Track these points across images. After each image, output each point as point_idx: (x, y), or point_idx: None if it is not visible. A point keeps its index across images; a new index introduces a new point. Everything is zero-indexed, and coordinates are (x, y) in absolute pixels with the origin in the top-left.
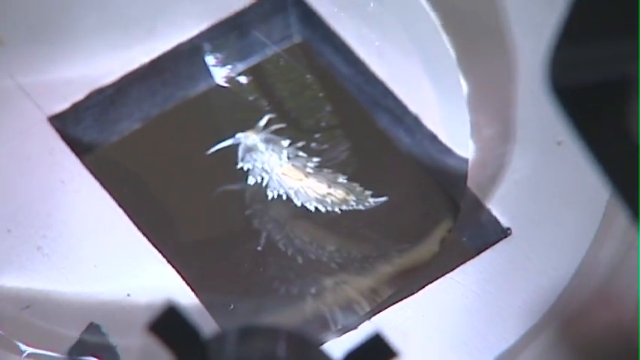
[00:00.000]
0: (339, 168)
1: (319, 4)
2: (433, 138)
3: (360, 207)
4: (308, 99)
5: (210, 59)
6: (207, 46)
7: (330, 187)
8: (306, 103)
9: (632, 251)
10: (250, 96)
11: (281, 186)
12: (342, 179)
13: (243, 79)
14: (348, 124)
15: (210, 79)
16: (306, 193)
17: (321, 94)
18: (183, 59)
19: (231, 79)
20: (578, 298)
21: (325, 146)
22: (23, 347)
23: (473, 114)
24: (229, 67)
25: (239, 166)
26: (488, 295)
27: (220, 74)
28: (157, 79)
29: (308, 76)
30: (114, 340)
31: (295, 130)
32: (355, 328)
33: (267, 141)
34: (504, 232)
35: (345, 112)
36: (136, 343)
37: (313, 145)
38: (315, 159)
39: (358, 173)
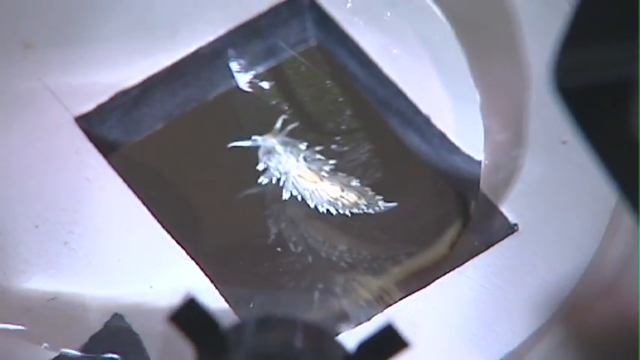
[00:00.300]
0: (360, 170)
1: (335, 9)
2: (447, 142)
3: (371, 211)
4: (328, 103)
5: (234, 65)
6: (231, 52)
7: (342, 190)
8: (327, 107)
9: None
10: (273, 100)
11: (296, 187)
12: (355, 183)
13: (265, 85)
14: (366, 128)
15: (229, 82)
16: (320, 195)
17: (340, 99)
18: (204, 62)
19: (254, 85)
20: (584, 292)
21: (346, 148)
22: (48, 342)
23: (486, 119)
24: (252, 72)
25: (258, 168)
26: (496, 289)
27: (244, 79)
28: (179, 82)
29: (328, 81)
30: (137, 329)
31: (317, 133)
32: (368, 320)
33: (284, 143)
34: (512, 228)
35: (363, 116)
36: (157, 333)
37: (334, 147)
38: (332, 161)
39: (371, 177)
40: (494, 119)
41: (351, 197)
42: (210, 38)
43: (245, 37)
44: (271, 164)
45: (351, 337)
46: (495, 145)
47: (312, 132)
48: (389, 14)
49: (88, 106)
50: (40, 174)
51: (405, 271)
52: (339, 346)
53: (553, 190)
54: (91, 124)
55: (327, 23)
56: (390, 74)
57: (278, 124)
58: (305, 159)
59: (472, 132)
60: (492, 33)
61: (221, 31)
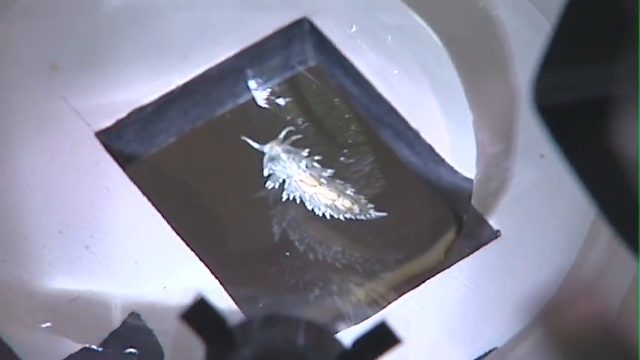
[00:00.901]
0: (363, 180)
1: (340, 33)
2: (434, 154)
3: (363, 217)
4: (336, 119)
5: (252, 83)
6: (249, 71)
7: (339, 196)
8: (335, 123)
9: (616, 257)
10: (288, 116)
11: (297, 191)
12: (350, 191)
13: (281, 101)
14: (368, 142)
15: (236, 100)
16: (318, 199)
17: (347, 115)
18: (213, 82)
19: (271, 101)
20: (565, 295)
21: (352, 160)
22: (72, 340)
23: (478, 134)
24: (269, 89)
25: (264, 173)
26: (480, 289)
27: (262, 96)
28: (190, 100)
29: (336, 99)
30: (152, 326)
31: (327, 146)
32: (364, 320)
33: (288, 151)
34: (494, 234)
35: (366, 131)
36: (171, 330)
37: (342, 159)
38: (330, 170)
39: (373, 187)
40: (486, 133)
41: (346, 203)
42: (219, 60)
43: (253, 58)
44: (276, 169)
45: (348, 335)
46: (487, 158)
47: (324, 145)
48: (390, 38)
49: (108, 123)
50: (63, 184)
51: (400, 276)
52: (338, 343)
53: (534, 200)
54: (110, 138)
55: (325, 46)
56: (386, 92)
57: (282, 135)
58: (306, 165)
59: (465, 146)
60: (485, 56)
61: (229, 53)
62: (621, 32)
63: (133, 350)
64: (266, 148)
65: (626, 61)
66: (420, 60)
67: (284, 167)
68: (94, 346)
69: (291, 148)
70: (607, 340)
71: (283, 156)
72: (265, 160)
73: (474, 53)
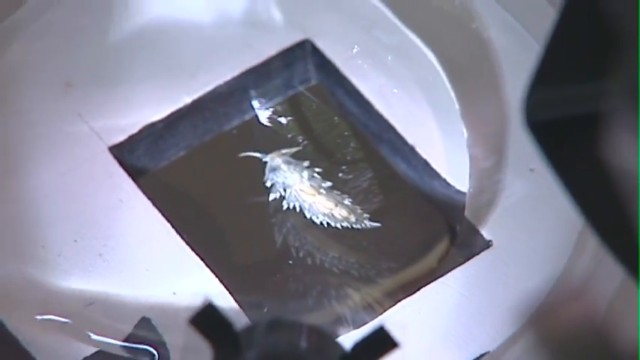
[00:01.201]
0: (361, 195)
1: (342, 53)
2: (429, 168)
3: (358, 227)
4: (336, 136)
5: (255, 103)
6: (252, 92)
7: (336, 205)
8: (335, 140)
9: (602, 264)
10: (289, 133)
11: (297, 200)
12: (347, 201)
13: (283, 120)
14: (366, 159)
15: (243, 116)
16: (316, 208)
17: (346, 133)
18: (221, 99)
19: (273, 120)
20: (555, 301)
21: (350, 176)
22: (93, 336)
23: (471, 149)
24: (272, 109)
25: (266, 183)
26: (474, 296)
27: (264, 115)
28: (199, 116)
29: (335, 117)
30: (162, 331)
31: (327, 162)
32: (364, 324)
33: (288, 162)
34: (487, 244)
35: (364, 148)
36: (180, 334)
37: (341, 175)
38: (328, 183)
39: (371, 201)
40: (479, 148)
41: (342, 212)
42: (227, 79)
43: (258, 77)
44: (277, 179)
45: (348, 339)
46: (480, 172)
47: (323, 161)
48: (390, 58)
49: (120, 138)
50: (79, 195)
51: (395, 283)
52: (338, 346)
53: (524, 211)
54: (122, 152)
55: (326, 66)
56: (384, 110)
57: (284, 150)
58: (307, 176)
59: (458, 161)
60: (478, 75)
61: (236, 72)
62: (610, 49)
63: (148, 348)
64: (267, 158)
65: (619, 77)
66: (417, 79)
67: (285, 177)
68: (112, 341)
69: (292, 160)
70: (595, 342)
71: (284, 166)
72: (267, 170)
73: (468, 72)
